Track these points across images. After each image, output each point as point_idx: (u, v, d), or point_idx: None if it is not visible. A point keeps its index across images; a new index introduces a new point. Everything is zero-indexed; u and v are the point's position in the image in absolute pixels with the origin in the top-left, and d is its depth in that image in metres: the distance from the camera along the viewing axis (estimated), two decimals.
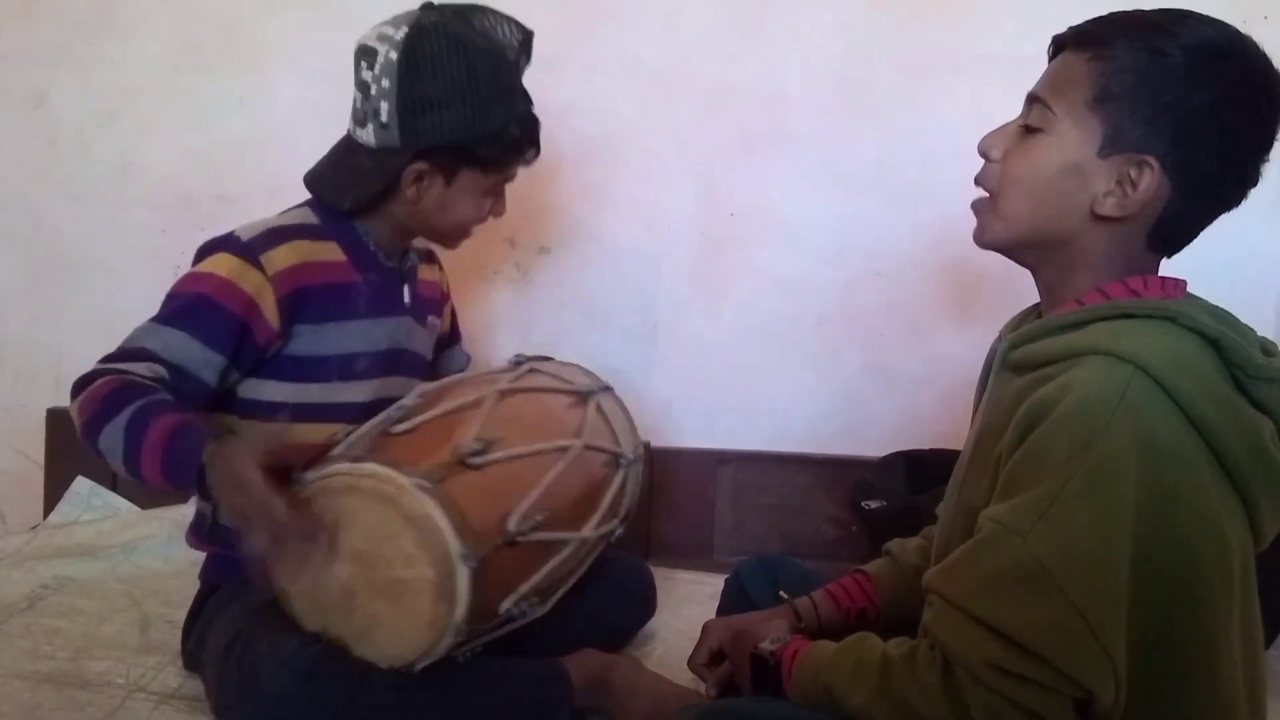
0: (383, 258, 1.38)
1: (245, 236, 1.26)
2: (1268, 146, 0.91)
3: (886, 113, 1.87)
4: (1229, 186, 0.91)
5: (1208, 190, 0.91)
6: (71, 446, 2.04)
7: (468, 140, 1.29)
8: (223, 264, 1.23)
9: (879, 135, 1.88)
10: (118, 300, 1.97)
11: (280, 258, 1.25)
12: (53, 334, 2.05)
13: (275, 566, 1.10)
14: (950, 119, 1.78)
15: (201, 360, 1.20)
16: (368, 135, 1.29)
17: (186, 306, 1.22)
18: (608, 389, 1.43)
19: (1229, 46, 0.88)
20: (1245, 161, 0.90)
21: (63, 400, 2.02)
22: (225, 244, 1.25)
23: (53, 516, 1.96)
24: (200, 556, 1.39)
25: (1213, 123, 0.87)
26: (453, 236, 1.42)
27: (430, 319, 1.49)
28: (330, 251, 1.32)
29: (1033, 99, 0.95)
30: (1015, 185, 0.95)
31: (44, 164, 2.06)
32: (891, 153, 1.88)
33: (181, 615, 1.37)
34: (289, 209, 1.35)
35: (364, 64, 1.29)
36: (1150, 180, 0.88)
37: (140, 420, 1.10)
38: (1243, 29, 0.89)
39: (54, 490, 2.01)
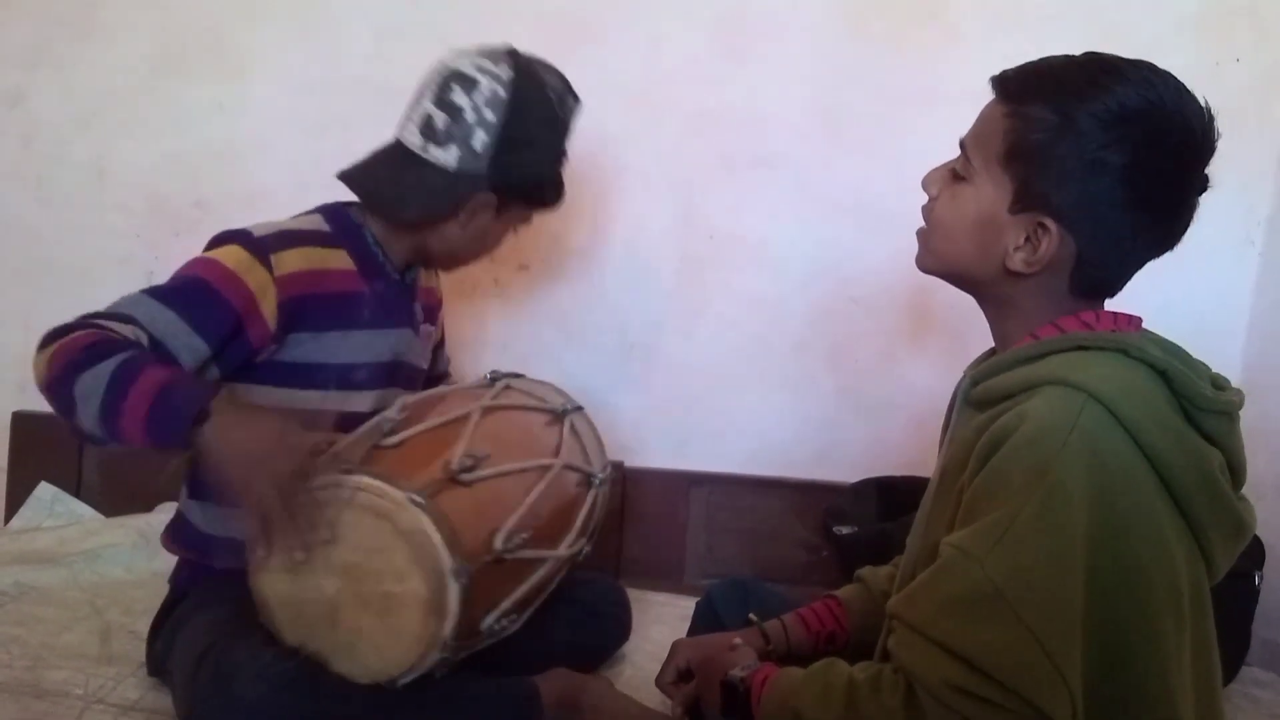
0: (390, 269, 1.37)
1: (258, 233, 1.24)
2: (1184, 201, 0.92)
3: (865, 141, 1.89)
4: (1145, 243, 0.93)
5: (1120, 247, 0.93)
6: (36, 451, 2.02)
7: (542, 181, 1.35)
8: (231, 255, 1.22)
9: (857, 163, 1.90)
10: (87, 304, 1.88)
11: (290, 261, 1.24)
12: (19, 336, 1.99)
13: (265, 545, 1.06)
14: (927, 150, 1.77)
15: (184, 342, 1.17)
16: (447, 156, 1.28)
17: (182, 287, 1.20)
18: (579, 409, 1.44)
19: (1141, 110, 0.88)
20: (1157, 220, 0.92)
21: (28, 404, 2.01)
22: (237, 236, 1.24)
23: (14, 522, 1.94)
24: (168, 564, 1.37)
25: (1115, 187, 0.89)
26: (463, 265, 1.44)
27: (425, 327, 1.49)
28: (339, 260, 1.31)
29: (961, 145, 0.99)
30: (939, 227, 1.02)
31: (18, 164, 2.04)
32: (869, 181, 1.89)
33: (144, 625, 1.36)
34: (300, 214, 1.34)
35: (459, 88, 1.28)
36: (1050, 242, 0.92)
37: (130, 369, 1.07)
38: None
39: (16, 495, 1.99)
